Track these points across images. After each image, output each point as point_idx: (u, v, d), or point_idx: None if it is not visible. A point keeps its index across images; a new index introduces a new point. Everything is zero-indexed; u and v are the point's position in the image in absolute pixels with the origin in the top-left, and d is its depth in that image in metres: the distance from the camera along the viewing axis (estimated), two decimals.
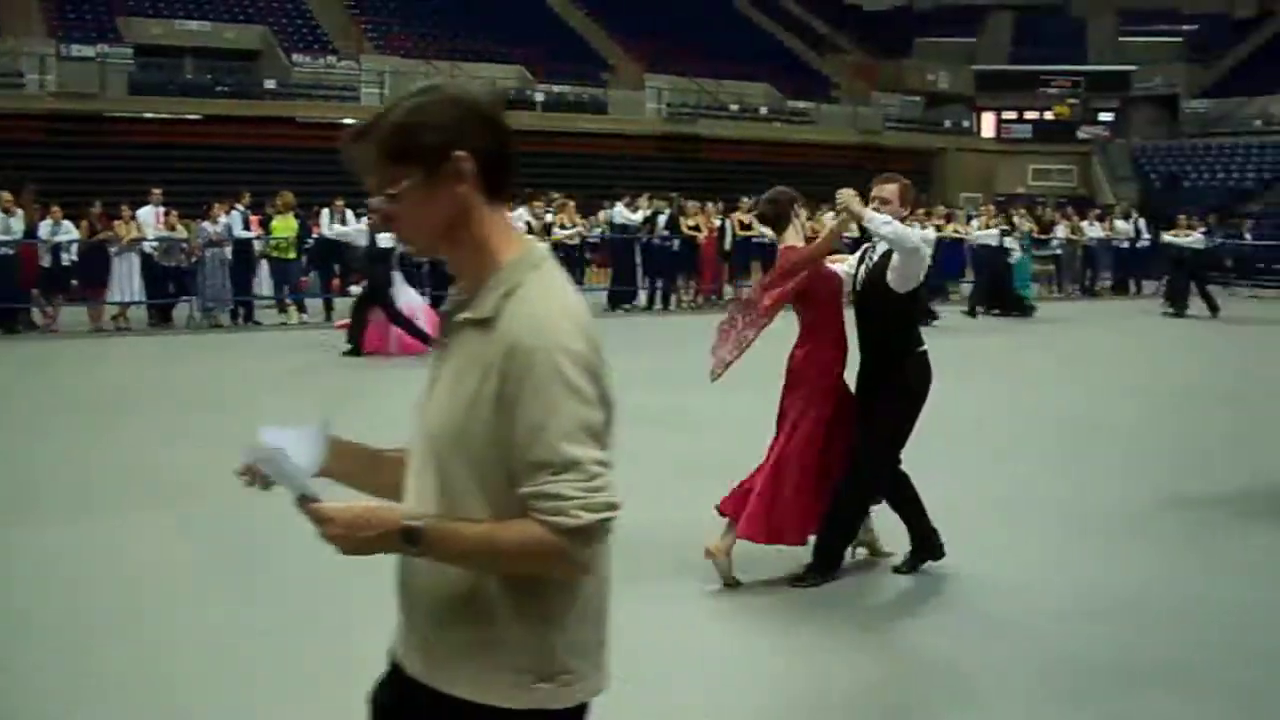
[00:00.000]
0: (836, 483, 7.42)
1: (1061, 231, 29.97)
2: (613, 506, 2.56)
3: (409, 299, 17.82)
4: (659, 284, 25.16)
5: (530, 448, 2.52)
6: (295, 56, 38.77)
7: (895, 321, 7.54)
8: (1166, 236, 27.22)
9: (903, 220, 7.63)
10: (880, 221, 7.43)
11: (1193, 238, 26.29)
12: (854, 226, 7.92)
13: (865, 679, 6.14)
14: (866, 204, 7.51)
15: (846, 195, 7.64)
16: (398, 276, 17.80)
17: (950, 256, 28.05)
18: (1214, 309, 25.13)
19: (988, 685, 6.04)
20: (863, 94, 49.61)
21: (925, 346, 7.61)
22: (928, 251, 7.55)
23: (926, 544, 7.73)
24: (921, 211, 27.12)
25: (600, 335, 2.61)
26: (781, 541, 7.47)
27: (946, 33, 55.35)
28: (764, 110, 44.92)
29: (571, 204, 24.40)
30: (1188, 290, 25.42)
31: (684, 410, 12.85)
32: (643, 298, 25.24)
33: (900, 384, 7.51)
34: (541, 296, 2.62)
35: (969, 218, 29.56)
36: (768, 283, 7.91)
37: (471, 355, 2.61)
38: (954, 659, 6.41)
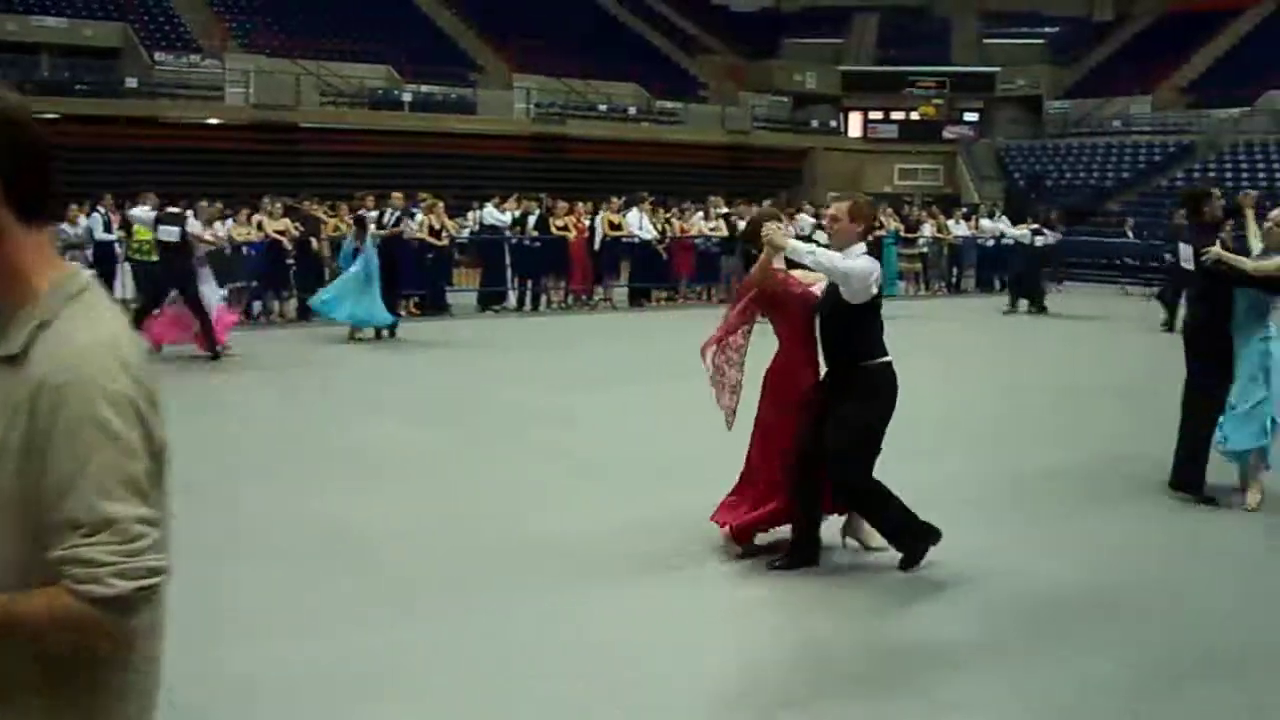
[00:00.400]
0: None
1: (928, 230, 30.25)
2: (156, 572, 2.22)
3: (209, 296, 17.25)
4: (529, 285, 25.01)
5: (60, 504, 2.18)
6: (157, 55, 38.04)
7: (854, 332, 7.64)
8: (1012, 232, 27.70)
9: (864, 235, 7.74)
10: (804, 252, 7.67)
11: (1023, 233, 26.71)
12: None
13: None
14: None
15: (770, 229, 7.83)
16: (205, 272, 17.33)
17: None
18: (1041, 307, 25.53)
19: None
20: (731, 94, 49.82)
21: (889, 358, 7.65)
22: (861, 272, 7.50)
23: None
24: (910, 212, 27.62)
25: (149, 372, 2.30)
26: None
27: (814, 34, 55.73)
28: (632, 110, 44.93)
29: (440, 205, 24.15)
30: (1040, 286, 25.83)
31: (571, 409, 12.91)
32: (512, 299, 25.08)
33: (862, 391, 7.59)
34: (79, 329, 2.26)
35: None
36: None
37: (0, 398, 2.25)
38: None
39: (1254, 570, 8.01)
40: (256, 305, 22.06)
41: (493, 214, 25.22)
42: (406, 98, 39.78)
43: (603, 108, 44.14)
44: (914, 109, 53.68)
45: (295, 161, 35.07)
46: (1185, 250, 9.98)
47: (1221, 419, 9.38)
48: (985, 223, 31.22)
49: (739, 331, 8.13)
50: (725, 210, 27.27)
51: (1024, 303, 25.33)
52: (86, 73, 36.98)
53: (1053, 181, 44.04)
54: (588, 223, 25.42)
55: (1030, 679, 6.00)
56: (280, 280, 22.32)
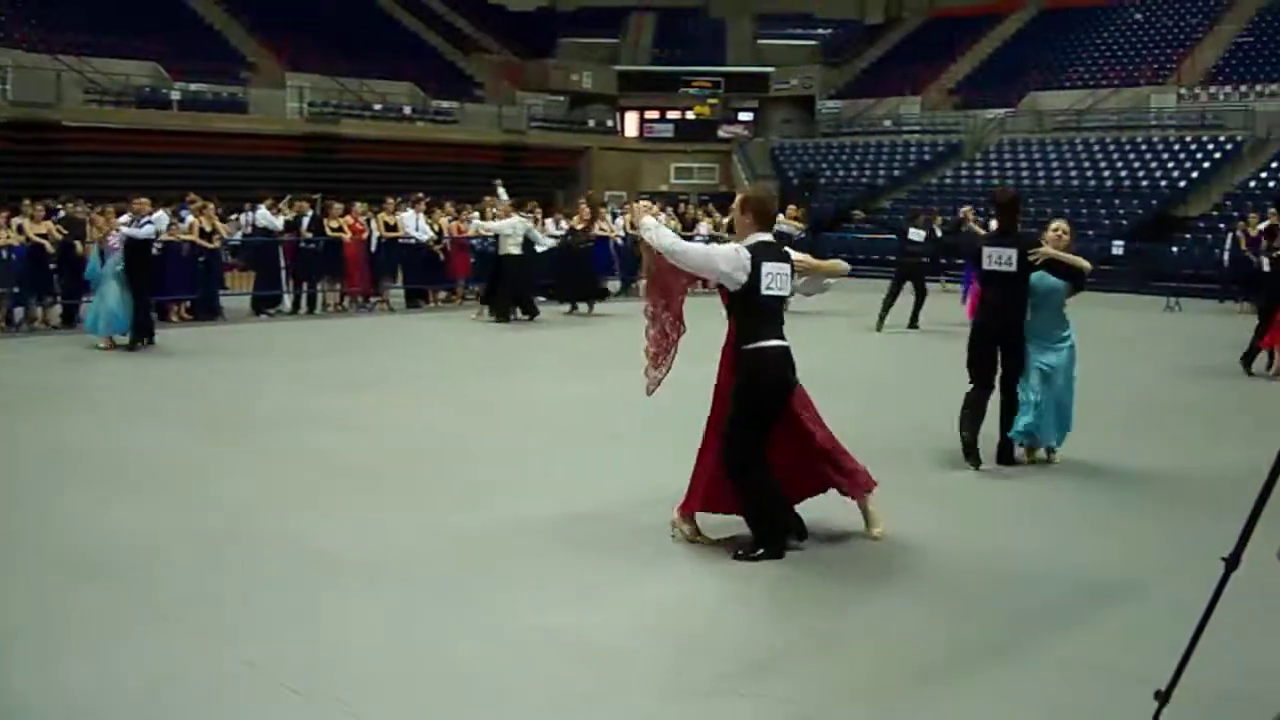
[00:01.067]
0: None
1: (705, 228, 30.43)
2: None
3: None
4: (304, 287, 24.51)
5: None
6: None
7: (732, 315, 7.94)
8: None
9: (759, 225, 7.96)
10: (648, 229, 7.97)
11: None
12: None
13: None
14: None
15: (638, 207, 8.22)
16: None
17: (600, 253, 28.41)
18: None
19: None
20: (507, 94, 49.69)
21: (764, 344, 7.74)
22: (696, 254, 7.99)
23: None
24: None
25: None
26: (717, 510, 8.14)
27: (590, 33, 55.87)
28: (408, 110, 44.50)
29: (211, 206, 23.50)
30: None
31: (349, 412, 12.69)
32: (288, 302, 24.55)
33: (738, 373, 7.83)
34: None
35: (614, 215, 29.86)
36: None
37: None
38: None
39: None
40: (19, 312, 21.23)
41: (265, 216, 24.63)
42: (175, 96, 38.75)
43: (377, 107, 43.64)
44: (689, 109, 54.09)
45: (57, 162, 33.96)
46: (998, 252, 10.46)
47: (1027, 410, 10.36)
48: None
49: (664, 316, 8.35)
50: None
51: None
52: None
53: (826, 180, 44.75)
54: (365, 224, 25.03)
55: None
56: (43, 285, 21.51)
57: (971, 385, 10.55)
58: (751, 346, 7.75)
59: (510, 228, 22.82)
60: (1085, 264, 10.34)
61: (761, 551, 7.78)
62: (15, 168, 32.24)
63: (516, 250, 22.71)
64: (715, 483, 8.03)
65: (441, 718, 5.47)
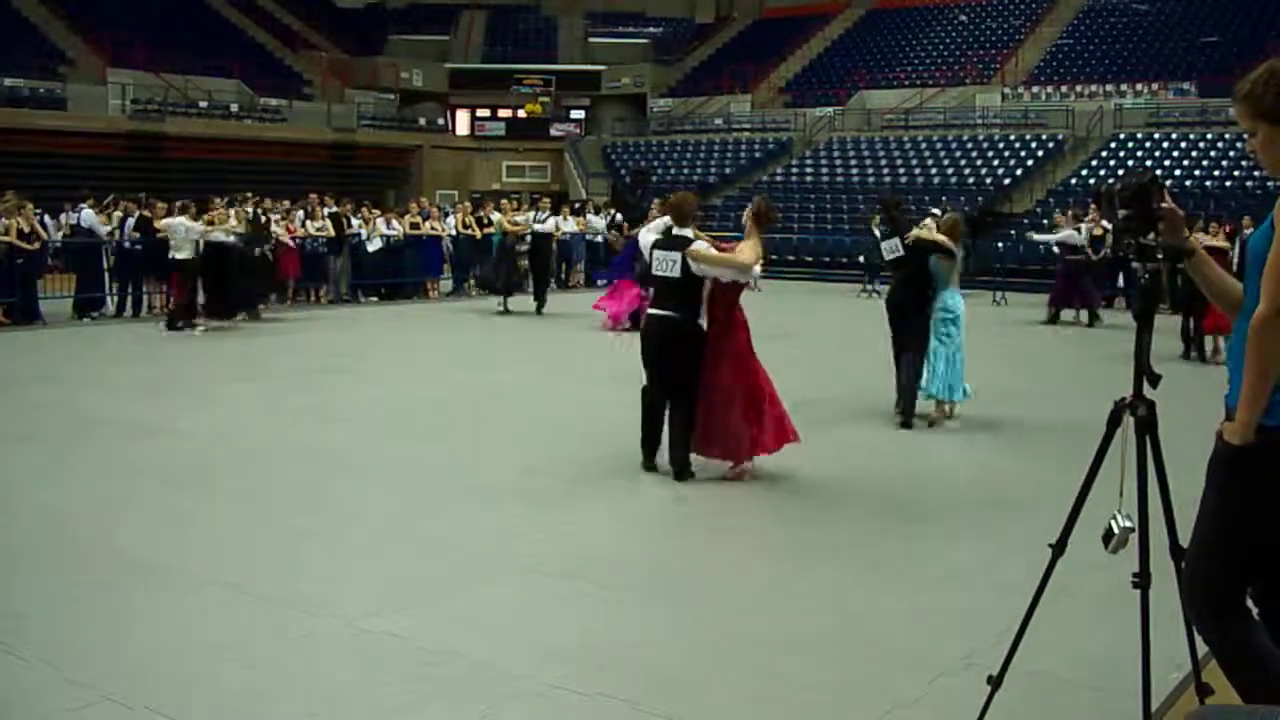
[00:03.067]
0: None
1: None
2: None
3: None
4: (129, 290, 23.89)
5: None
6: None
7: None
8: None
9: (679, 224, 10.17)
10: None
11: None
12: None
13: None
14: None
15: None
16: None
17: (432, 254, 28.30)
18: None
19: None
20: (336, 92, 49.16)
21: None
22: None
23: None
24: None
25: None
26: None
27: (420, 31, 55.59)
28: (235, 107, 43.77)
29: (29, 206, 22.81)
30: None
31: (166, 418, 12.43)
32: (111, 305, 23.92)
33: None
34: None
35: (445, 214, 29.72)
36: None
37: None
38: None
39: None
40: None
41: (90, 217, 23.97)
42: None
43: (203, 105, 42.87)
44: (521, 107, 53.97)
45: None
46: (889, 243, 12.95)
47: (929, 369, 12.71)
48: (593, 219, 31.64)
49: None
50: (333, 209, 26.77)
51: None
52: None
53: (658, 177, 44.94)
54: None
55: None
56: None
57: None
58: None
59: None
60: (944, 240, 12.54)
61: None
62: None
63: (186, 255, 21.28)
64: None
65: None
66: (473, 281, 26.90)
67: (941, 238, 12.55)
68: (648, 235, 10.49)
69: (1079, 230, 24.38)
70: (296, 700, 5.59)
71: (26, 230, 21.84)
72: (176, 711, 5.39)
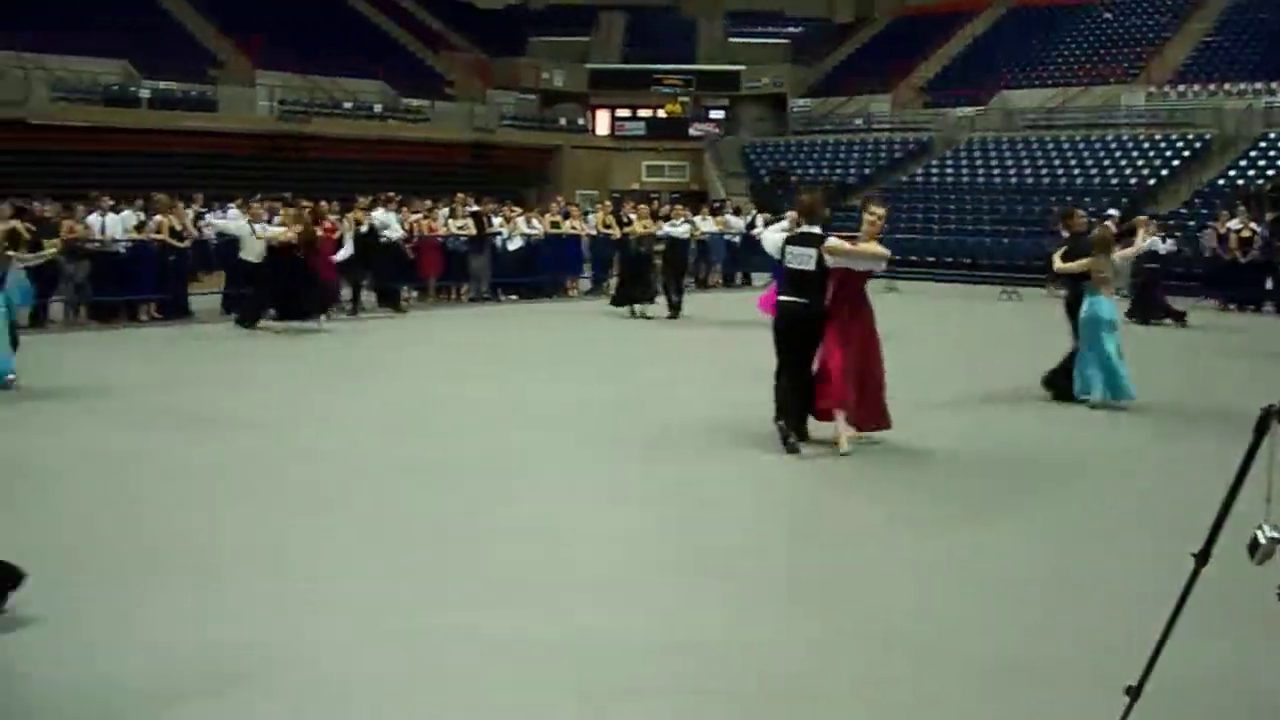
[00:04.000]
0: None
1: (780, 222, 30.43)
2: None
3: None
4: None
5: None
6: None
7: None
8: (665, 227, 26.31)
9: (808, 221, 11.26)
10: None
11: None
12: None
13: None
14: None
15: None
16: None
17: (571, 253, 28.47)
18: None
19: None
20: (478, 92, 49.59)
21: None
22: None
23: None
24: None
25: None
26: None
27: (561, 32, 55.85)
28: (378, 108, 44.34)
29: (181, 206, 23.29)
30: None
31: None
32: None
33: None
34: None
35: (585, 213, 29.84)
36: None
37: None
38: None
39: None
40: None
41: (236, 216, 24.35)
42: (144, 94, 38.52)
43: (348, 105, 43.48)
44: (660, 107, 54.05)
45: (24, 161, 33.68)
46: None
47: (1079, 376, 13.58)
48: (732, 219, 31.61)
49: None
50: (474, 208, 27.01)
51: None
52: None
53: (797, 178, 44.78)
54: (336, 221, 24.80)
55: None
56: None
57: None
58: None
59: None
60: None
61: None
62: None
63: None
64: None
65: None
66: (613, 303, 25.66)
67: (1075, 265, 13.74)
68: (775, 234, 11.68)
69: (1160, 239, 23.38)
70: (413, 693, 5.66)
71: (178, 228, 22.33)
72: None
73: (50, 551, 7.44)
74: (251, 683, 5.73)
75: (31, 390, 13.92)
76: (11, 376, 14.16)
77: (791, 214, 11.78)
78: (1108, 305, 13.45)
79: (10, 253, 14.82)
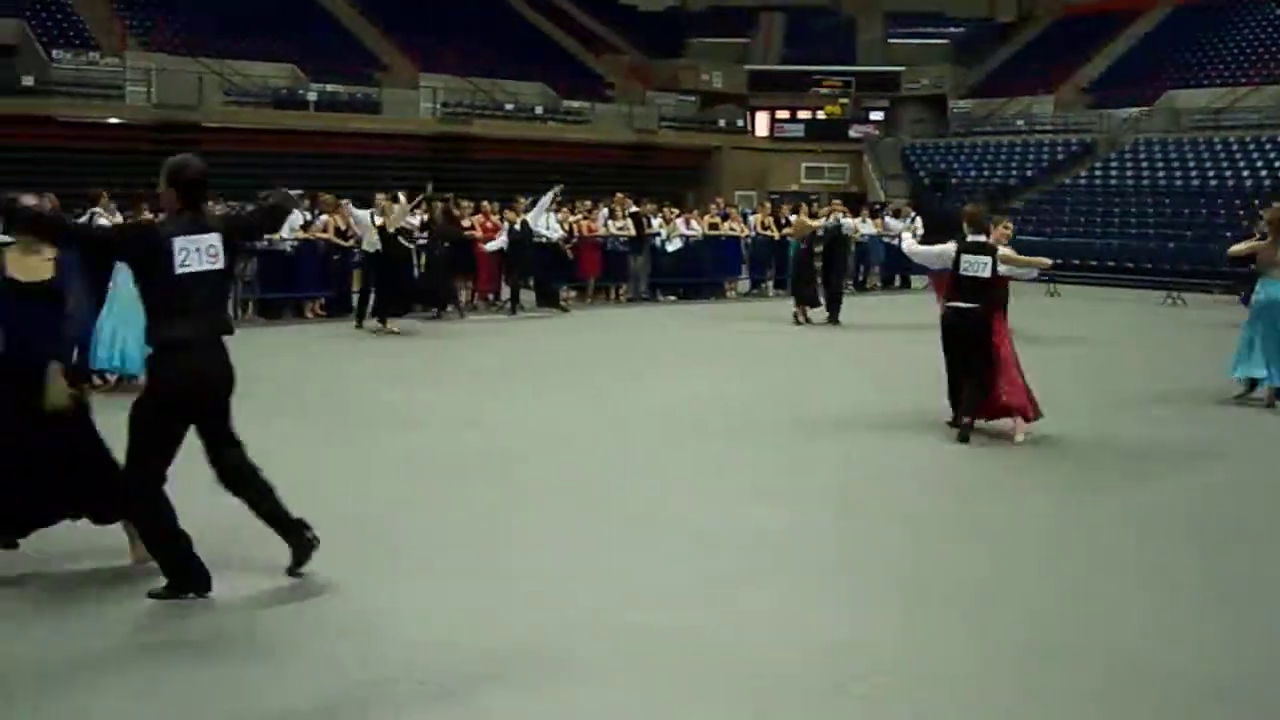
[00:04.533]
0: None
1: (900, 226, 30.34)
2: None
3: None
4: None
5: None
6: (55, 52, 37.29)
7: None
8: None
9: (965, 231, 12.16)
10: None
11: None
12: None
13: None
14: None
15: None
16: None
17: (730, 254, 28.50)
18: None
19: None
20: (637, 94, 49.83)
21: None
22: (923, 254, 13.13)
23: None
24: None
25: None
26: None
27: (720, 33, 55.82)
28: (539, 110, 44.76)
29: (347, 204, 23.70)
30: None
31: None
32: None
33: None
34: None
35: (744, 215, 29.85)
36: None
37: None
38: None
39: None
40: None
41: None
42: (311, 97, 39.37)
43: (509, 107, 43.95)
44: (820, 108, 53.87)
45: None
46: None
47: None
48: (891, 221, 31.44)
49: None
50: (633, 209, 27.19)
51: None
52: None
53: (957, 179, 44.36)
54: (495, 222, 25.14)
55: None
56: None
57: None
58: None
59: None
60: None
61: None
62: (157, 168, 32.90)
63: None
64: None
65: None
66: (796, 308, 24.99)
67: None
68: (940, 248, 12.66)
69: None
70: (573, 690, 5.75)
71: (343, 228, 22.76)
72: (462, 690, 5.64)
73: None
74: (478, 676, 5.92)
75: None
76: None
77: (952, 245, 12.29)
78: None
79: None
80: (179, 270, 6.71)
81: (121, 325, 13.32)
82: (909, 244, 13.12)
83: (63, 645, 6.12)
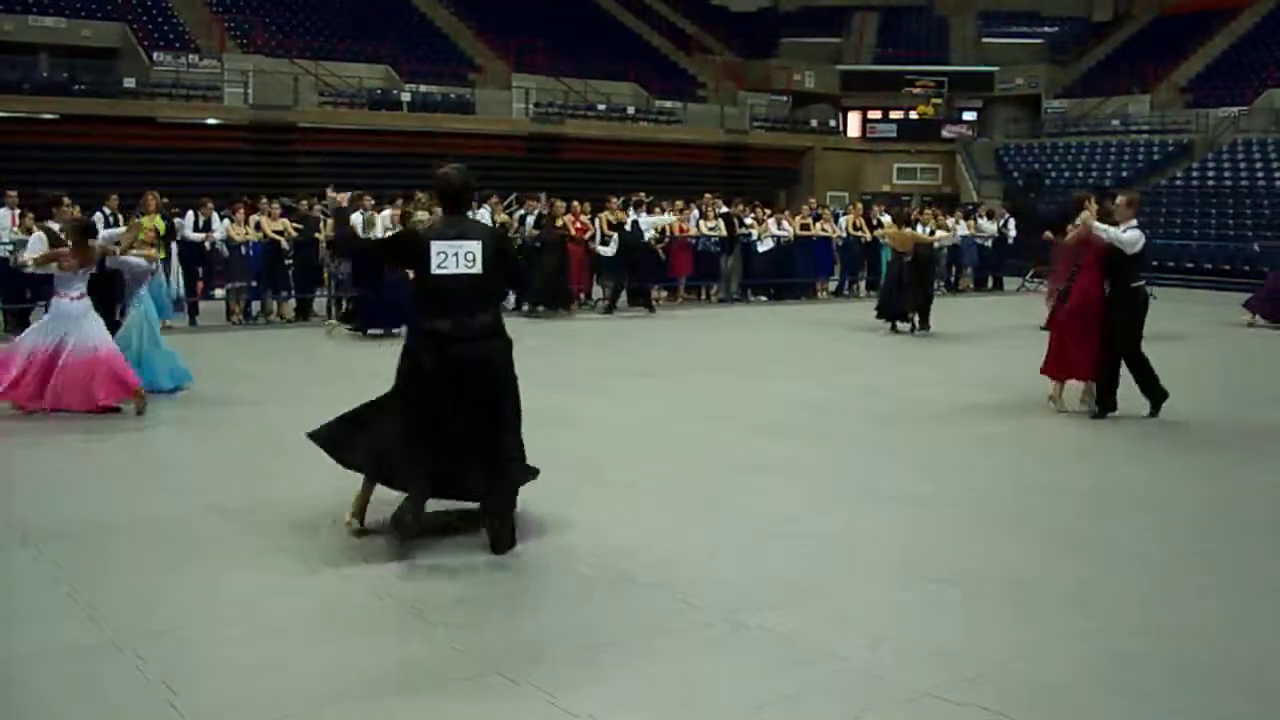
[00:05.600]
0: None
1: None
2: None
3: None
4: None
5: None
6: (156, 55, 37.88)
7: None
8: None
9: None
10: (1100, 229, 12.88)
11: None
12: None
13: None
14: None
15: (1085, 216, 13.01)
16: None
17: (821, 254, 28.43)
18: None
19: None
20: (729, 94, 49.82)
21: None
22: (1125, 239, 12.63)
23: None
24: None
25: None
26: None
27: (812, 33, 55.79)
28: (631, 110, 44.86)
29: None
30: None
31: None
32: (511, 299, 24.71)
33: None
34: None
35: (836, 215, 29.74)
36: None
37: None
38: None
39: None
40: (255, 305, 22.15)
41: (484, 216, 24.90)
42: (405, 98, 39.71)
43: (601, 107, 44.09)
44: (912, 108, 53.64)
45: (292, 161, 35.04)
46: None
47: None
48: (984, 222, 31.26)
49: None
50: (725, 210, 27.20)
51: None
52: (85, 73, 36.63)
53: (1051, 180, 43.98)
54: (586, 222, 25.25)
55: None
56: (279, 280, 22.31)
57: None
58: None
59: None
60: None
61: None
62: (255, 167, 33.51)
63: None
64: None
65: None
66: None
67: None
68: (1139, 233, 13.03)
69: None
70: (669, 687, 5.76)
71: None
72: (553, 689, 5.66)
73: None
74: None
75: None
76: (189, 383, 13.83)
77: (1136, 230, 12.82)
78: None
79: (107, 245, 13.35)
80: (435, 271, 7.64)
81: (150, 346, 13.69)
82: (1114, 233, 12.74)
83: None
